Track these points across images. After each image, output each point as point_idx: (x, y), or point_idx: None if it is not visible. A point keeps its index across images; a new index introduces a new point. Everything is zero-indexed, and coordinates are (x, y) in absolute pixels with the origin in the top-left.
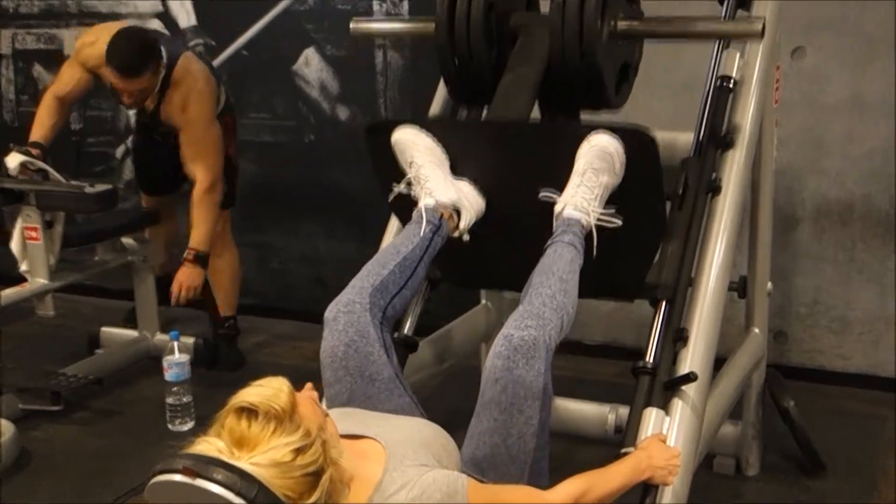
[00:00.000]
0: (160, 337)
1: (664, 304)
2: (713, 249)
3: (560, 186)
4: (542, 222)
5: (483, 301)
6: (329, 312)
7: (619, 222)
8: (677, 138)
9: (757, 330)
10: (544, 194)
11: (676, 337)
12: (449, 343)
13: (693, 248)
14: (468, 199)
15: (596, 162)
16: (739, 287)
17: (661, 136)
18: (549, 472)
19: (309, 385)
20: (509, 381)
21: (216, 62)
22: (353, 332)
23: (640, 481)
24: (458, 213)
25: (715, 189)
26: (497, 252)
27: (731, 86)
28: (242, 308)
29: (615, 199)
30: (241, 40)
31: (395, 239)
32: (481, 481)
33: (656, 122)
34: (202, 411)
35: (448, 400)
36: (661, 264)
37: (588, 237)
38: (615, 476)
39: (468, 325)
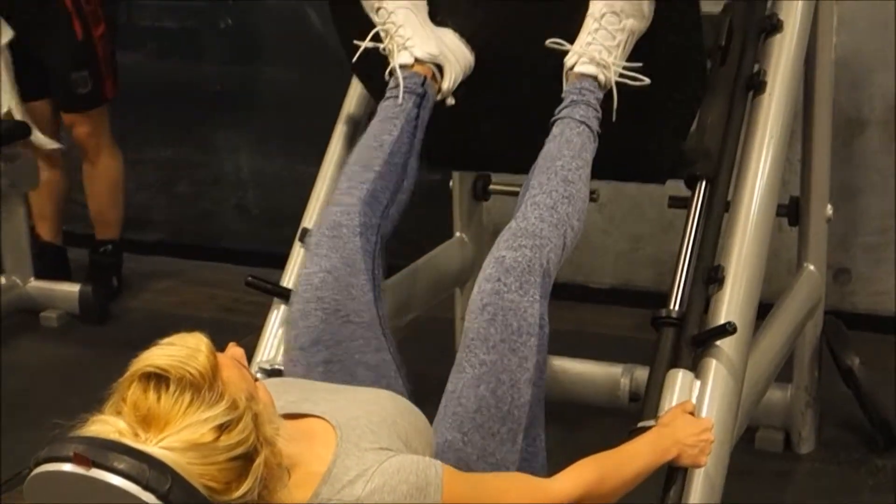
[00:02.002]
0: (35, 284)
1: (704, 184)
2: (756, 163)
3: (571, 35)
4: (547, 80)
5: (457, 233)
6: (311, 238)
7: (647, 81)
8: None
9: (812, 267)
10: (552, 42)
11: (710, 277)
12: (412, 288)
13: (739, 115)
14: (453, 53)
15: (617, 1)
16: (790, 211)
17: None
18: (545, 451)
19: (231, 345)
20: (499, 309)
21: None
22: (337, 258)
23: (665, 463)
24: (441, 69)
25: (758, 85)
26: (489, 121)
27: None
28: (142, 246)
29: (641, 50)
30: None
31: (373, 125)
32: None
33: None
34: (95, 381)
35: (413, 362)
36: (700, 134)
37: (608, 98)
38: (633, 458)
39: (438, 264)
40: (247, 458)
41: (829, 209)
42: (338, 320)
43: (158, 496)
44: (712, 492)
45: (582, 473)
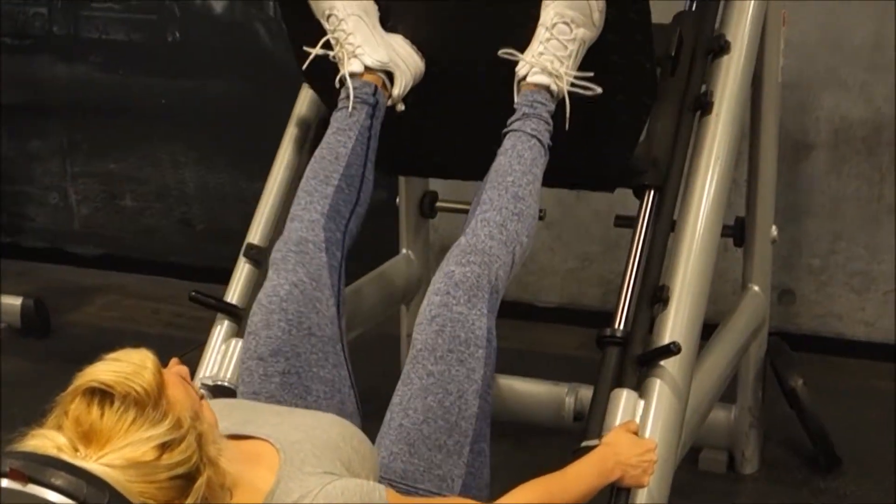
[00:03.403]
0: None
1: (652, 193)
2: (702, 183)
3: (522, 44)
4: (499, 89)
5: (403, 250)
6: (277, 253)
7: (599, 90)
8: None
9: (757, 288)
10: (504, 52)
11: (655, 296)
12: (358, 305)
13: (689, 125)
14: (403, 60)
15: (568, 11)
16: (736, 232)
17: None
18: (489, 467)
19: (174, 361)
20: (447, 321)
21: None
22: (304, 273)
23: (608, 483)
24: (391, 77)
25: (704, 106)
26: (440, 128)
27: None
28: (85, 259)
29: (593, 59)
30: None
31: (327, 137)
32: (408, 492)
33: None
34: (37, 395)
35: (358, 379)
36: (650, 143)
37: (560, 107)
38: (577, 480)
39: (383, 281)
40: (188, 478)
41: (774, 230)
42: (300, 332)
43: None
44: None
45: (526, 497)
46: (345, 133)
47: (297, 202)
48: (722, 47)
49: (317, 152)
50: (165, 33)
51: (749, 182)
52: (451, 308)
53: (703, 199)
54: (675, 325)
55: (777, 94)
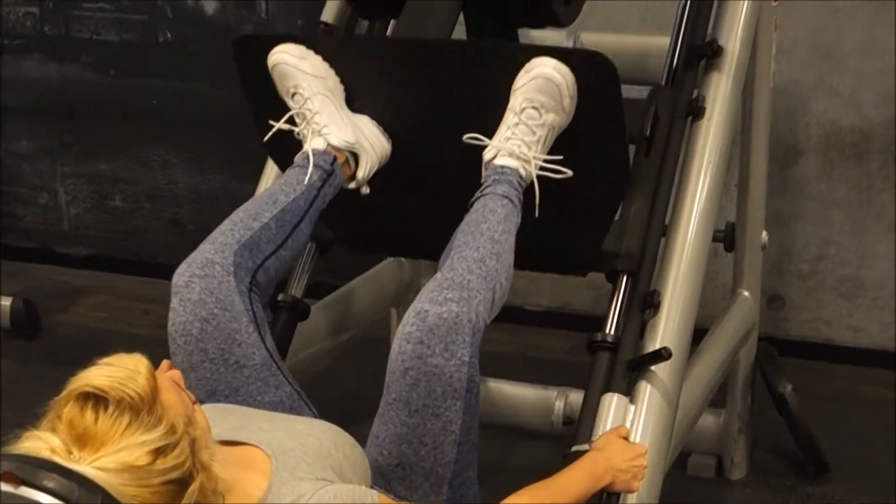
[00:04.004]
0: None
1: (625, 277)
2: (694, 189)
3: (490, 128)
4: (465, 173)
5: None
6: (179, 277)
7: (569, 173)
8: (649, 47)
9: (747, 293)
10: (471, 137)
11: (645, 303)
12: (349, 308)
13: (663, 206)
14: (369, 141)
15: (538, 96)
16: (726, 237)
17: (626, 42)
18: (478, 483)
19: (166, 363)
20: (422, 374)
21: None
22: (213, 302)
23: (599, 488)
24: (357, 157)
25: (696, 112)
26: (406, 210)
27: None
28: (75, 260)
29: (563, 144)
30: None
31: (273, 184)
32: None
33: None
34: (28, 396)
35: (347, 382)
36: (623, 227)
37: (529, 192)
38: (568, 487)
39: (374, 284)
40: (181, 483)
41: (765, 236)
42: (228, 369)
43: None
44: None
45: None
46: (290, 185)
47: (220, 227)
48: (715, 52)
49: (256, 194)
50: (157, 34)
51: (740, 187)
52: (425, 360)
53: (694, 204)
54: (666, 330)
55: (768, 99)
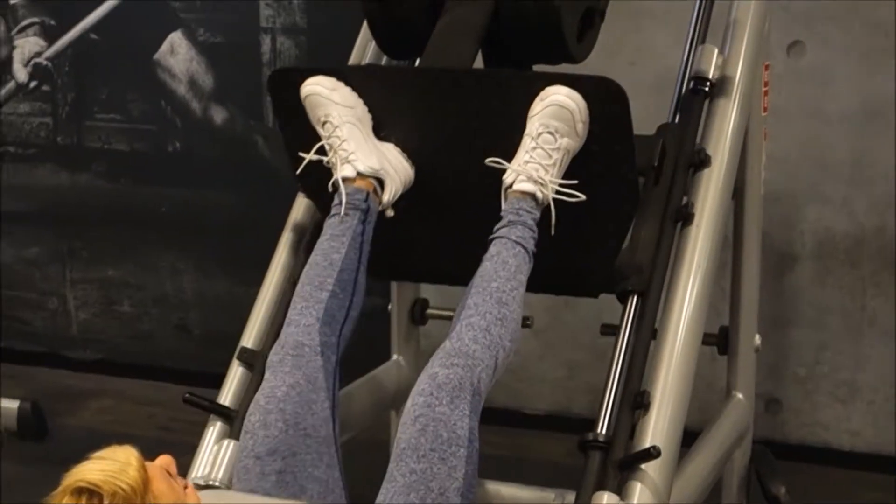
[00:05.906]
0: None
1: (635, 298)
2: (683, 292)
3: (509, 153)
4: (486, 196)
5: (394, 356)
6: (274, 355)
7: (583, 197)
8: None
9: (740, 395)
10: (491, 161)
11: (636, 402)
12: (349, 409)
13: (671, 233)
14: (394, 167)
15: (553, 122)
16: (720, 341)
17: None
18: None
19: (165, 459)
20: (430, 420)
21: (55, 47)
22: (301, 375)
23: None
24: (382, 183)
25: (686, 217)
26: (429, 234)
27: (706, 88)
28: (83, 364)
29: (575, 168)
30: (89, 20)
31: (321, 243)
32: None
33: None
34: (33, 499)
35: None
36: (633, 250)
37: (545, 214)
38: None
39: (374, 386)
40: None
41: (758, 339)
42: (296, 433)
43: None
44: None
45: None
46: (338, 239)
47: (294, 307)
48: (703, 161)
49: (311, 258)
50: (167, 144)
51: (732, 291)
52: (433, 408)
53: (683, 308)
54: (656, 429)
55: (759, 205)
